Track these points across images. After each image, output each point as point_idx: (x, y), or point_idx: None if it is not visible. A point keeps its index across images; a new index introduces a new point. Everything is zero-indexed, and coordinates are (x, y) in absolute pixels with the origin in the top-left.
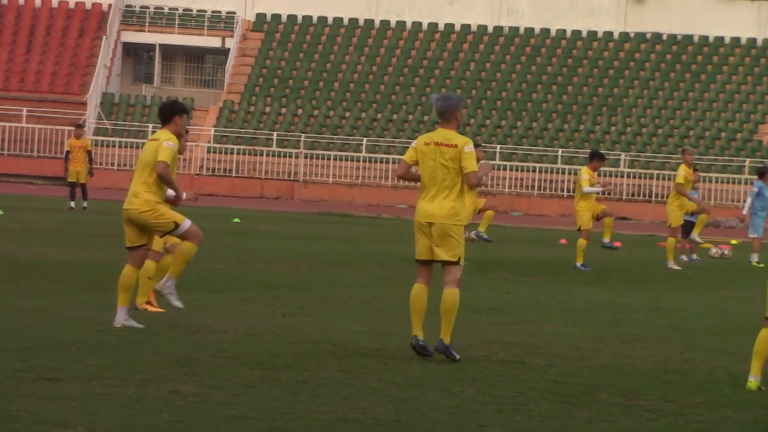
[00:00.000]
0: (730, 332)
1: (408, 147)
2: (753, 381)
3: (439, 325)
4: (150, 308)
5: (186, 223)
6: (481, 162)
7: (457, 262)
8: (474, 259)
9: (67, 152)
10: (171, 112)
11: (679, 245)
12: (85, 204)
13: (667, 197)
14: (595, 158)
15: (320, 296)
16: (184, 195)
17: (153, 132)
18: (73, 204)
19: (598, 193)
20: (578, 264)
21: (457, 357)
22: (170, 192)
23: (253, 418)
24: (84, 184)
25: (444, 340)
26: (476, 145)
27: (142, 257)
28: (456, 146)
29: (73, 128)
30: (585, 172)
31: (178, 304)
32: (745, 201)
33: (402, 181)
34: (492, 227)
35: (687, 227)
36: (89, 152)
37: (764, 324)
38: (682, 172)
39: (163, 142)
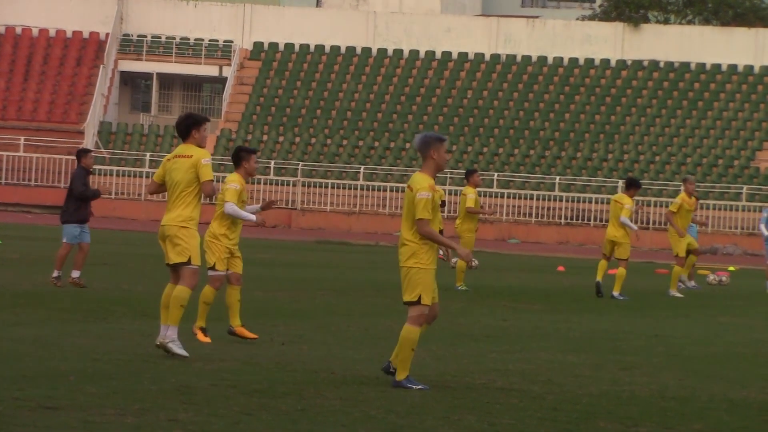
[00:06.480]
0: (728, 359)
1: (405, 175)
2: None
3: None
4: (200, 336)
5: (196, 264)
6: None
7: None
8: (472, 287)
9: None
10: (187, 127)
11: None
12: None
13: (666, 225)
14: (632, 187)
15: (319, 324)
16: None
17: (154, 158)
18: None
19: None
20: (615, 293)
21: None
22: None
23: None
24: None
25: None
26: (473, 171)
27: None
28: (411, 189)
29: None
30: (627, 202)
31: (182, 352)
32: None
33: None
34: (489, 255)
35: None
36: None
37: None
38: (679, 200)
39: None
